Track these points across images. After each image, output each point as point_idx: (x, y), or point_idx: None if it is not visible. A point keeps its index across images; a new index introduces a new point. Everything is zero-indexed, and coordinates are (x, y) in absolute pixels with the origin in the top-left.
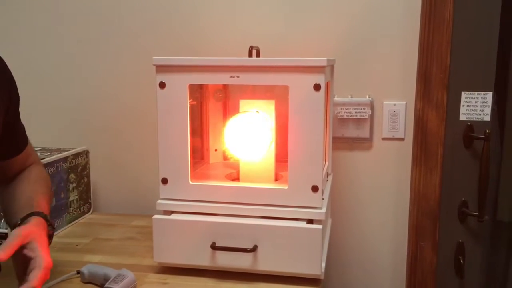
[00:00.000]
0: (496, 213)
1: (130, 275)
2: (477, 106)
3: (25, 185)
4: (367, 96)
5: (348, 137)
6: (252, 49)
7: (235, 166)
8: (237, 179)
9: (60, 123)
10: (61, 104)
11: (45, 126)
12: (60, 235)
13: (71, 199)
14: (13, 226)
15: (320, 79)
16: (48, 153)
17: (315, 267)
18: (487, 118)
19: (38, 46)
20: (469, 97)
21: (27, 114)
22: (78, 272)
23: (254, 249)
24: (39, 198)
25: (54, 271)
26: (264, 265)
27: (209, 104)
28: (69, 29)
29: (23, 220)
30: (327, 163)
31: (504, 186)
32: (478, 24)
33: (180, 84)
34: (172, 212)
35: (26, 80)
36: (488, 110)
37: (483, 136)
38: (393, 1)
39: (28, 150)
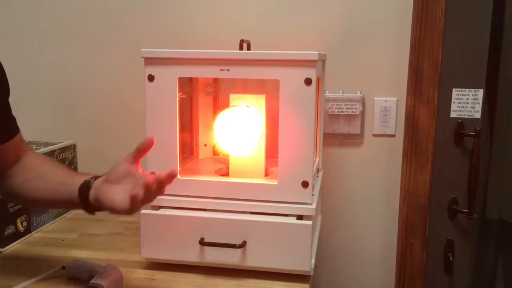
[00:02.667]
0: (485, 211)
1: (116, 271)
2: (468, 103)
3: (49, 163)
4: (358, 92)
5: (339, 133)
6: (242, 43)
7: (225, 161)
8: (226, 174)
9: (47, 117)
10: (48, 98)
11: (32, 120)
12: (46, 230)
13: None
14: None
15: (311, 73)
16: (35, 147)
17: (304, 263)
18: (478, 115)
19: (23, 39)
20: (460, 94)
21: (14, 107)
22: (63, 268)
23: (243, 244)
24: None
25: (39, 266)
26: (253, 261)
27: (199, 98)
28: (55, 22)
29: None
30: (317, 159)
31: (492, 184)
32: (470, 21)
33: (169, 77)
34: (160, 207)
35: (12, 74)
36: (478, 107)
37: (474, 133)
38: None
39: (20, 138)
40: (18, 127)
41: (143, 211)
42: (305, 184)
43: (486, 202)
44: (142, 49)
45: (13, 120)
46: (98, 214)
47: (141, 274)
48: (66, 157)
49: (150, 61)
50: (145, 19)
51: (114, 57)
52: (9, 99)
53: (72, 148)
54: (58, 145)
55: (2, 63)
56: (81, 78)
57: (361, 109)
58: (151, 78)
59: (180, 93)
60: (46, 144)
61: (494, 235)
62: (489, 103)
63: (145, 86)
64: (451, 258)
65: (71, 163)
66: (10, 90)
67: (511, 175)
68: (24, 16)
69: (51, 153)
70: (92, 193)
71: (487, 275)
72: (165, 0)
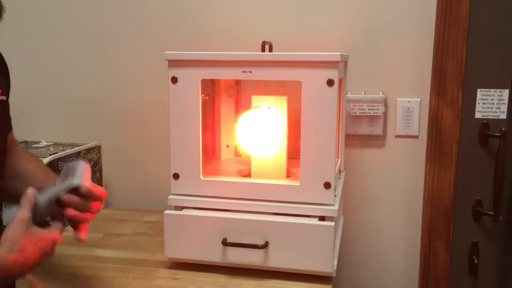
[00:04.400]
0: (511, 213)
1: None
2: (493, 103)
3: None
4: (381, 93)
5: (361, 134)
6: (265, 44)
7: (247, 162)
8: (248, 175)
9: (73, 118)
10: (74, 99)
11: (58, 121)
12: (70, 229)
13: None
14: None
15: (334, 74)
16: (61, 148)
17: (327, 264)
18: (503, 116)
19: (50, 41)
20: (485, 95)
21: (40, 109)
22: None
23: (265, 245)
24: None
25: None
26: (275, 261)
27: (221, 99)
28: (81, 24)
29: None
30: (339, 160)
31: None
32: (495, 20)
33: (192, 79)
34: (184, 207)
35: (40, 76)
36: (504, 108)
37: (499, 134)
38: None
39: (12, 138)
40: (11, 126)
41: (166, 211)
42: (327, 185)
43: None
44: (166, 52)
45: (9, 118)
46: (123, 214)
47: (165, 274)
48: (91, 158)
49: (173, 63)
50: (168, 23)
51: (139, 59)
52: (37, 101)
53: (97, 149)
54: (84, 146)
55: (29, 66)
56: (106, 80)
57: (383, 110)
58: (174, 80)
59: (203, 95)
60: (72, 145)
61: None
62: None
63: (169, 88)
64: (476, 261)
65: (96, 164)
66: (35, 94)
67: None
68: (50, 21)
69: (77, 154)
70: None
71: None
72: (188, 4)
